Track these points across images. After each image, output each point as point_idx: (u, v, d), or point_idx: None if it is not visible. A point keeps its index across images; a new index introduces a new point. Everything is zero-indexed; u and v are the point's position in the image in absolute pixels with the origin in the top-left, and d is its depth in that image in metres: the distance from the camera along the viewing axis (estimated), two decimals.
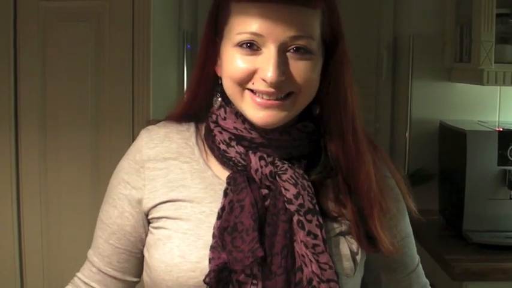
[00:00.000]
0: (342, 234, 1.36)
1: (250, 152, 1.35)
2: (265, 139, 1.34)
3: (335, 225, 1.36)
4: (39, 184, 2.64)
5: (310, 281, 1.27)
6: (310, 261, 1.27)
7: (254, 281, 1.26)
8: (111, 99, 2.70)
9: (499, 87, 3.08)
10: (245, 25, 1.28)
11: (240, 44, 1.29)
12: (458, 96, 3.10)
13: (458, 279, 2.44)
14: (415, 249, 1.59)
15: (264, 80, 1.27)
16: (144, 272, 1.43)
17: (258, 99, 1.29)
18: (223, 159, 1.37)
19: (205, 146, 1.42)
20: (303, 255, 1.28)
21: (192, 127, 1.46)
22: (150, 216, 1.40)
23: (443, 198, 3.02)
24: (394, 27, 3.33)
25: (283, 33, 1.26)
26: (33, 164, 2.64)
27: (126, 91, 2.70)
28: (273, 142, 1.34)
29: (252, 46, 1.28)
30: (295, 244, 1.29)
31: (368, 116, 3.27)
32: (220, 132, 1.38)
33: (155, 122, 1.48)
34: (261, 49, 1.28)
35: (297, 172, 1.34)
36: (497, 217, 2.71)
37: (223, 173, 1.38)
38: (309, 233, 1.28)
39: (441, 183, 3.03)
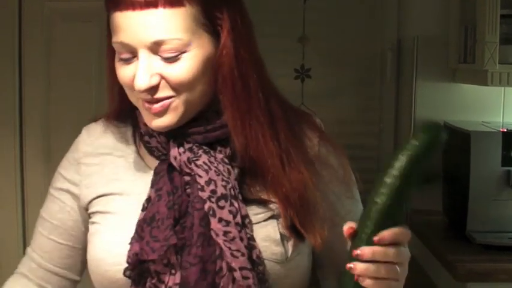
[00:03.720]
0: (274, 217, 1.33)
1: (171, 140, 1.34)
2: (180, 127, 1.32)
3: (264, 209, 1.34)
4: (43, 184, 2.65)
5: (230, 268, 1.25)
6: (225, 249, 1.26)
7: (172, 271, 1.26)
8: None
9: (503, 87, 3.07)
10: (115, 35, 1.27)
11: (121, 59, 1.28)
12: (463, 96, 3.10)
13: (462, 280, 2.44)
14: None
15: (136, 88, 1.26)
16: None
17: (147, 105, 1.28)
18: (149, 150, 1.37)
19: (137, 139, 1.42)
20: (219, 243, 1.26)
21: (129, 122, 1.44)
22: (88, 211, 1.40)
23: (447, 199, 3.02)
24: (398, 28, 3.33)
25: (145, 38, 1.24)
26: (37, 164, 2.65)
27: None
28: (187, 130, 1.33)
29: (128, 59, 1.27)
30: (211, 232, 1.27)
31: (372, 117, 3.27)
32: (145, 125, 1.36)
33: (100, 117, 1.48)
34: (135, 57, 1.26)
35: (214, 157, 1.32)
36: (501, 218, 2.71)
37: (155, 163, 1.36)
38: (220, 220, 1.27)
39: (445, 183, 3.03)
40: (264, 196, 1.34)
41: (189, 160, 1.31)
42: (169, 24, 1.24)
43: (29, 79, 2.72)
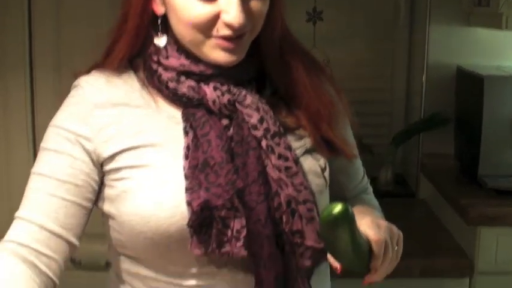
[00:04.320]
0: (308, 151, 1.37)
1: (202, 84, 1.32)
2: (214, 69, 1.31)
3: (299, 143, 1.37)
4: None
5: (288, 203, 1.27)
6: (286, 184, 1.27)
7: (237, 214, 1.24)
8: None
9: None
10: None
11: None
12: (477, 40, 3.06)
13: (473, 224, 2.45)
14: (360, 162, 1.59)
15: (228, 24, 1.25)
16: (112, 232, 1.35)
17: (224, 45, 1.27)
18: (174, 98, 1.33)
19: (150, 88, 1.36)
20: (277, 179, 1.27)
21: (130, 73, 1.39)
22: (107, 168, 1.32)
23: (459, 143, 3.01)
24: None
25: None
26: (48, 108, 2.64)
27: None
28: (222, 70, 1.32)
29: None
30: (268, 169, 1.28)
31: (384, 60, 3.24)
32: (166, 70, 1.33)
33: (83, 73, 1.40)
34: None
35: (255, 97, 1.33)
36: None
37: (177, 112, 1.34)
38: (279, 156, 1.28)
39: (457, 128, 3.02)
40: (294, 126, 1.38)
41: (230, 102, 1.31)
42: None
43: (39, 21, 2.70)
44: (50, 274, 1.30)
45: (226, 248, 1.25)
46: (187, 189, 1.25)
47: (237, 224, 1.24)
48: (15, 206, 1.32)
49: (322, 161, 1.38)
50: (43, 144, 1.36)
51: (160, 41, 1.34)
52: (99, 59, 1.41)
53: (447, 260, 2.48)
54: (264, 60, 1.37)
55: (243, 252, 1.25)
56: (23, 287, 1.24)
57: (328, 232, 1.17)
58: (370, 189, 1.64)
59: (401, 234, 1.32)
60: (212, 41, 1.27)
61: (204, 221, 1.24)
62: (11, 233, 1.31)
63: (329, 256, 1.24)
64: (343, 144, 1.40)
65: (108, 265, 2.19)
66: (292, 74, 1.38)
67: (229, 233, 1.24)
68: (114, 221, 1.33)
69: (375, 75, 3.18)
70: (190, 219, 1.23)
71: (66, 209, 1.31)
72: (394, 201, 2.95)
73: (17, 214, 1.33)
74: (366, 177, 1.62)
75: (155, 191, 1.27)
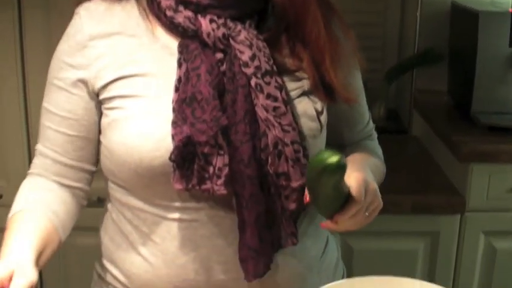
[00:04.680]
0: (305, 94, 1.35)
1: (199, 15, 1.30)
2: (212, 0, 1.30)
3: (296, 84, 1.35)
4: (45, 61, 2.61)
5: (275, 144, 1.26)
6: (273, 125, 1.26)
7: (220, 151, 1.24)
8: None
9: None
10: None
11: None
12: None
13: (465, 161, 2.45)
14: (366, 107, 1.57)
15: None
16: (103, 158, 1.38)
17: None
18: (171, 27, 1.32)
19: (149, 15, 1.35)
20: (265, 119, 1.26)
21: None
22: (101, 97, 1.34)
23: (452, 80, 3.00)
24: None
25: None
26: (37, 43, 2.60)
27: None
28: (220, 2, 1.30)
29: None
30: (256, 109, 1.27)
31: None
32: None
33: None
34: None
35: (251, 33, 1.30)
36: (506, 99, 2.69)
37: (173, 42, 1.33)
38: (268, 96, 1.26)
39: (451, 64, 3.00)
40: (293, 65, 1.36)
41: (224, 36, 1.29)
42: None
43: None
44: (76, 195, 1.42)
45: (207, 185, 1.25)
46: (173, 123, 1.24)
47: (220, 161, 1.24)
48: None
49: (319, 104, 1.36)
50: (48, 77, 1.40)
51: None
52: None
53: (439, 197, 2.49)
54: None
55: (223, 191, 1.25)
56: (58, 194, 1.39)
57: (313, 176, 1.18)
58: (375, 136, 1.62)
59: (381, 205, 1.33)
60: None
61: (187, 156, 1.24)
62: (32, 167, 1.43)
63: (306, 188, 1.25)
64: (343, 88, 1.37)
65: (99, 200, 2.21)
66: (304, 7, 1.33)
67: (211, 170, 1.24)
68: (105, 149, 1.35)
69: (368, 9, 3.14)
70: (172, 153, 1.23)
71: (72, 143, 1.38)
72: (386, 137, 2.93)
73: (36, 147, 1.42)
74: (371, 123, 1.59)
75: (142, 122, 1.28)
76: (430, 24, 3.07)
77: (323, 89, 1.36)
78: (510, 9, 2.66)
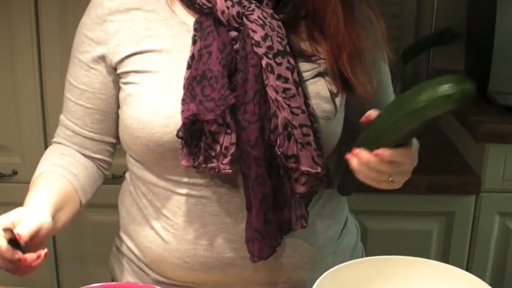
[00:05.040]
0: (321, 74, 1.33)
1: None
2: None
3: (312, 65, 1.33)
4: (59, 37, 2.61)
5: (285, 126, 1.24)
6: (283, 106, 1.24)
7: (228, 130, 1.23)
8: None
9: None
10: None
11: None
12: None
13: (481, 141, 2.44)
14: (390, 93, 1.54)
15: None
16: (120, 131, 1.40)
17: None
18: (188, 3, 1.32)
19: None
20: (275, 100, 1.24)
21: None
22: (118, 71, 1.36)
23: (469, 59, 2.98)
24: None
25: None
26: (53, 20, 2.60)
27: None
28: None
29: None
30: (267, 89, 1.25)
31: None
32: None
33: None
34: None
35: (265, 12, 1.29)
36: None
37: (191, 19, 1.33)
38: (279, 77, 1.25)
39: (468, 43, 2.97)
40: (309, 48, 1.33)
41: (239, 14, 1.28)
42: None
43: None
44: (97, 165, 1.46)
45: (213, 163, 1.24)
46: (182, 100, 1.24)
47: (227, 140, 1.23)
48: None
49: (334, 87, 1.34)
50: (72, 49, 1.42)
51: None
52: None
53: (454, 177, 2.48)
54: None
55: (228, 170, 1.24)
56: (79, 159, 1.42)
57: (411, 99, 1.15)
58: None
59: (408, 175, 1.31)
60: None
61: (194, 134, 1.23)
62: (55, 135, 1.47)
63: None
64: (360, 85, 1.33)
65: (114, 177, 2.22)
66: (328, 6, 1.31)
67: (218, 148, 1.24)
68: (121, 122, 1.37)
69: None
70: (179, 130, 1.23)
71: (91, 116, 1.41)
72: None
73: (60, 116, 1.46)
74: None
75: (154, 98, 1.29)
76: (448, 3, 3.04)
77: (341, 80, 1.33)
78: None
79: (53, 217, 1.26)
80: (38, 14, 2.58)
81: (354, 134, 1.31)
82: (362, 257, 1.54)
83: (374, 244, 2.44)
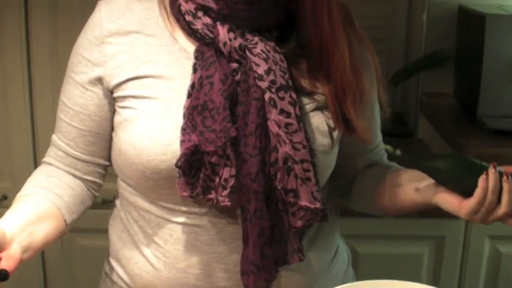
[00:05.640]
0: (319, 108, 1.33)
1: (218, 23, 1.28)
2: (232, 9, 1.27)
3: (310, 99, 1.32)
4: (50, 61, 2.61)
5: (285, 160, 1.24)
6: (284, 141, 1.23)
7: (228, 163, 1.23)
8: None
9: None
10: None
11: None
12: None
13: None
14: (380, 135, 1.55)
15: None
16: (113, 155, 1.39)
17: None
18: (190, 31, 1.31)
19: (170, 16, 1.34)
20: (277, 135, 1.24)
21: None
22: (115, 95, 1.33)
23: (459, 83, 2.99)
24: None
25: None
26: (44, 44, 2.60)
27: None
28: (241, 13, 1.28)
29: None
30: (268, 123, 1.24)
31: None
32: (186, 2, 1.31)
33: None
34: None
35: (268, 45, 1.28)
36: None
37: (191, 46, 1.32)
38: (281, 111, 1.24)
39: (458, 67, 2.99)
40: (309, 86, 1.32)
41: (241, 47, 1.27)
42: None
43: None
44: (87, 186, 1.43)
45: (212, 194, 1.24)
46: (182, 129, 1.23)
47: (226, 172, 1.23)
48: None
49: (331, 121, 1.33)
50: (67, 69, 1.40)
51: None
52: None
53: None
54: (298, 14, 1.31)
55: (227, 202, 1.24)
56: (65, 180, 1.39)
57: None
58: (385, 156, 1.57)
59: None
60: None
61: (193, 164, 1.23)
62: (46, 155, 1.44)
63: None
64: (361, 127, 1.34)
65: (104, 202, 2.21)
66: (335, 51, 1.31)
67: (217, 180, 1.23)
68: (115, 146, 1.35)
69: (375, 13, 3.14)
70: (179, 160, 1.22)
71: (83, 137, 1.38)
72: (392, 140, 2.93)
73: (52, 136, 1.44)
74: (382, 144, 1.56)
75: (152, 124, 1.27)
76: (437, 27, 3.06)
77: (343, 122, 1.33)
78: None
79: (23, 229, 1.21)
80: (29, 38, 2.58)
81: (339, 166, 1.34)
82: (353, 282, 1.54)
83: (365, 268, 2.44)
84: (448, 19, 3.02)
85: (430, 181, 1.32)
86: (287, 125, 1.24)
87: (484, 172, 1.25)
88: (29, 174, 1.43)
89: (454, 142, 2.59)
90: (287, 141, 1.23)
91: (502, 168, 1.28)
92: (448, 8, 3.03)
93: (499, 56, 2.64)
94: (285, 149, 1.23)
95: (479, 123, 2.67)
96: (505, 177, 1.25)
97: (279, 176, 1.24)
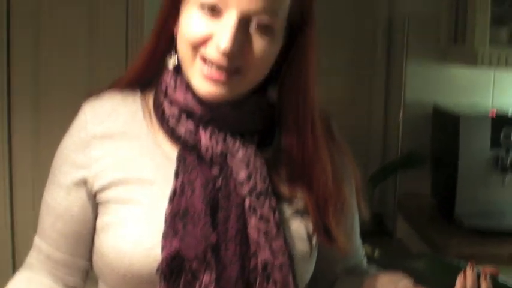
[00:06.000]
0: (299, 213, 1.32)
1: (200, 127, 1.29)
2: (215, 113, 1.28)
3: (290, 204, 1.32)
4: (31, 162, 2.62)
5: (265, 266, 1.23)
6: (263, 247, 1.23)
7: (208, 268, 1.22)
8: (104, 78, 2.67)
9: (493, 70, 3.07)
10: None
11: (203, 6, 1.21)
12: (453, 78, 3.09)
13: None
14: (359, 240, 1.54)
15: (215, 46, 1.21)
16: (94, 257, 1.35)
17: (206, 72, 1.23)
18: (173, 136, 1.31)
19: (154, 120, 1.34)
20: (256, 241, 1.24)
21: (137, 98, 1.37)
22: (98, 198, 1.32)
23: (435, 182, 3.02)
24: (389, 7, 3.30)
25: (249, 3, 1.19)
26: (25, 143, 2.61)
27: (120, 69, 2.67)
28: (224, 117, 1.28)
29: (213, 10, 1.20)
30: (248, 229, 1.24)
31: (361, 98, 3.25)
32: (170, 106, 1.31)
33: (98, 91, 1.39)
34: (222, 15, 1.21)
35: (250, 149, 1.29)
36: (490, 201, 2.71)
37: (173, 152, 1.31)
38: (261, 218, 1.24)
39: (434, 167, 3.03)
40: (289, 191, 1.33)
41: (222, 153, 1.28)
42: (280, 3, 1.23)
43: (17, 56, 2.69)
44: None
45: None
46: (163, 234, 1.23)
47: (207, 277, 1.22)
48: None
49: (311, 226, 1.33)
50: (51, 168, 1.39)
51: (171, 61, 1.32)
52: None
53: None
54: (281, 123, 1.33)
55: None
56: (45, 284, 1.37)
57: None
58: (365, 260, 1.57)
59: None
60: (198, 64, 1.24)
61: (174, 269, 1.22)
62: (28, 259, 1.42)
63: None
64: (341, 238, 1.35)
65: None
66: (317, 164, 1.32)
67: (197, 285, 1.22)
68: (97, 249, 1.33)
69: (351, 113, 3.19)
70: (160, 265, 1.21)
71: (66, 239, 1.36)
72: (371, 240, 2.94)
73: (35, 238, 1.41)
74: (361, 249, 1.55)
75: (135, 229, 1.25)
76: (413, 127, 3.11)
77: (324, 231, 1.34)
78: (490, 113, 2.71)
79: None
80: (11, 140, 2.59)
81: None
82: None
83: None
84: (424, 119, 3.08)
85: (409, 281, 1.32)
86: (266, 231, 1.24)
87: (462, 272, 1.26)
88: (7, 277, 1.41)
89: (433, 242, 2.59)
90: (266, 247, 1.24)
91: (480, 268, 1.28)
92: (423, 107, 3.09)
93: (473, 155, 2.69)
94: (264, 255, 1.23)
95: (457, 223, 2.69)
96: (483, 277, 1.26)
97: (258, 282, 1.24)
